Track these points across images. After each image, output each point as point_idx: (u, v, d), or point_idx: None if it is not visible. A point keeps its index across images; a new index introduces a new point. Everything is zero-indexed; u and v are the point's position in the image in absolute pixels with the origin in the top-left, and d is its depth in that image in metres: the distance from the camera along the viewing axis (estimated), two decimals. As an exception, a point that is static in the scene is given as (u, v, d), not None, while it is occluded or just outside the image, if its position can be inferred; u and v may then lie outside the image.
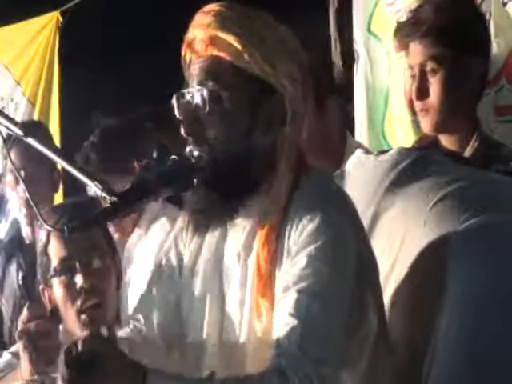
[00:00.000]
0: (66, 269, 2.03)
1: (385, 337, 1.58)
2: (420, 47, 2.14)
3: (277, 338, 1.45)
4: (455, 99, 2.14)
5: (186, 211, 1.67)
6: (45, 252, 2.08)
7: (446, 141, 2.20)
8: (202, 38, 1.56)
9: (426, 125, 2.18)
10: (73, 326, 2.00)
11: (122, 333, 1.72)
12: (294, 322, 1.44)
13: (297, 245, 1.51)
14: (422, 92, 2.14)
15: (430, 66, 2.13)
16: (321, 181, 1.61)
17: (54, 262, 2.05)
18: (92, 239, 2.04)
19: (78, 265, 2.01)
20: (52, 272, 2.04)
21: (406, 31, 2.17)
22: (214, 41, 1.55)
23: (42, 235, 2.11)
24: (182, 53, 1.62)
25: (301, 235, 1.51)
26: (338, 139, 2.49)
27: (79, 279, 2.00)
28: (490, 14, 2.31)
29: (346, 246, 1.51)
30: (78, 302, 1.99)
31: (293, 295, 1.47)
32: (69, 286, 2.02)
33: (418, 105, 2.18)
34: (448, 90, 2.13)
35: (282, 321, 1.46)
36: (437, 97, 2.13)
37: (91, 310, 1.99)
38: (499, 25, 2.26)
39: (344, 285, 1.49)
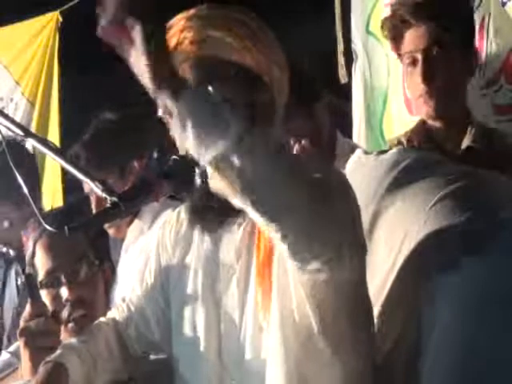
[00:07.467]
0: (52, 281, 2.02)
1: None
2: (425, 31, 2.15)
3: None
4: (458, 84, 2.16)
5: (185, 210, 1.67)
6: (31, 263, 2.07)
7: (443, 129, 2.20)
8: (193, 39, 1.54)
9: (429, 108, 2.19)
10: (62, 333, 1.99)
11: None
12: None
13: None
14: (428, 75, 2.16)
15: (435, 50, 2.14)
16: None
17: (41, 275, 2.04)
18: (78, 249, 2.03)
19: (63, 277, 2.00)
20: (39, 285, 2.02)
21: (408, 12, 2.17)
22: (206, 41, 1.54)
23: (29, 245, 2.10)
24: None
25: None
26: (328, 142, 2.49)
27: (64, 292, 2.00)
28: (490, 14, 2.32)
29: None
30: (65, 313, 1.99)
31: None
32: (55, 298, 2.01)
33: (422, 88, 2.19)
34: (453, 75, 2.15)
35: None
36: (443, 81, 2.15)
37: (78, 319, 1.99)
38: (499, 25, 2.27)
39: None
